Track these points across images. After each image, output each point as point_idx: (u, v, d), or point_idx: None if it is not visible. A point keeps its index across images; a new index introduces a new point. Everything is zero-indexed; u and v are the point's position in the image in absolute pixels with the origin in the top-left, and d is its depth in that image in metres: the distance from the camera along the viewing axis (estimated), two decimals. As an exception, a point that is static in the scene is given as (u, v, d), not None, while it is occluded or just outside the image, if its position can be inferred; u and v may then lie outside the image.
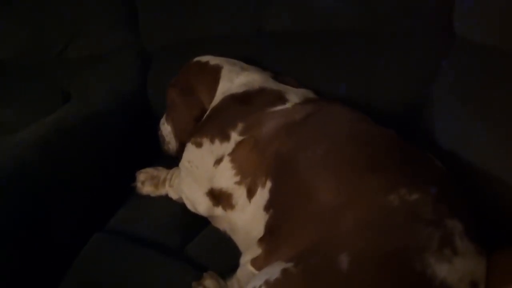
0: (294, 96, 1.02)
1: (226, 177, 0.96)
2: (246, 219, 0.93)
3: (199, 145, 1.02)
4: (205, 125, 1.06)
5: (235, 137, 0.98)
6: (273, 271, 0.68)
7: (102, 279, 0.95)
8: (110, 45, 1.50)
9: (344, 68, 1.08)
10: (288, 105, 0.99)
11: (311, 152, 0.84)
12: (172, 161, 1.26)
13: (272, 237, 0.82)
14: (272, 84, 1.09)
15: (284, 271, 0.67)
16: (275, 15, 1.20)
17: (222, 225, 1.02)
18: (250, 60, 1.23)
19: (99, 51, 1.50)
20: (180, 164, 1.08)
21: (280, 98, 1.02)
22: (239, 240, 0.96)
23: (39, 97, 1.46)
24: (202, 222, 1.06)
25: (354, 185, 0.73)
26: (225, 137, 0.99)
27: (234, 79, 1.12)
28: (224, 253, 0.97)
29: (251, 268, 0.83)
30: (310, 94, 1.07)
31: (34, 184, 1.07)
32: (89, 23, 1.48)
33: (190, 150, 1.05)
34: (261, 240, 0.84)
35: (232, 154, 0.97)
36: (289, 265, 0.68)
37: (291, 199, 0.82)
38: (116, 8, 1.48)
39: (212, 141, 1.00)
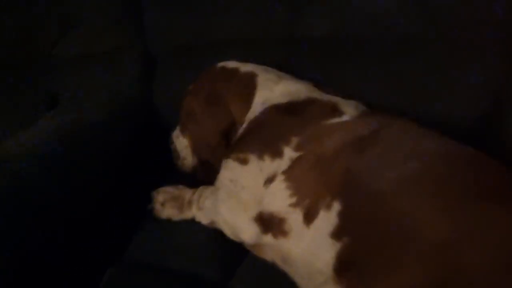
0: (350, 108, 0.92)
1: (279, 199, 0.83)
2: (304, 247, 0.80)
3: (244, 162, 0.89)
4: (248, 139, 0.93)
5: (289, 153, 0.85)
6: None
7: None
8: (107, 44, 1.31)
9: (396, 81, 0.99)
10: (346, 118, 0.89)
11: (397, 172, 0.73)
12: (186, 178, 1.11)
13: (357, 273, 0.69)
14: (320, 94, 0.98)
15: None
16: (312, 18, 1.09)
17: (270, 255, 0.87)
18: (278, 69, 1.12)
19: (94, 50, 1.31)
20: (218, 183, 0.93)
21: (335, 110, 0.91)
22: (297, 273, 0.83)
23: (21, 100, 1.25)
24: (240, 251, 0.91)
25: (472, 215, 0.63)
26: (277, 153, 0.86)
27: (274, 88, 1.00)
28: (278, 289, 0.83)
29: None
30: (362, 106, 0.97)
31: (32, 206, 0.88)
32: (84, 18, 1.29)
33: (232, 168, 0.90)
34: (339, 275, 0.72)
35: (288, 172, 0.84)
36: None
37: (378, 228, 0.70)
38: (117, 2, 1.30)
39: (260, 158, 0.87)
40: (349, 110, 0.91)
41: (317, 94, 0.98)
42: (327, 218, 0.77)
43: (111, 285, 0.85)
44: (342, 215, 0.75)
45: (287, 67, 1.12)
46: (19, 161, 0.91)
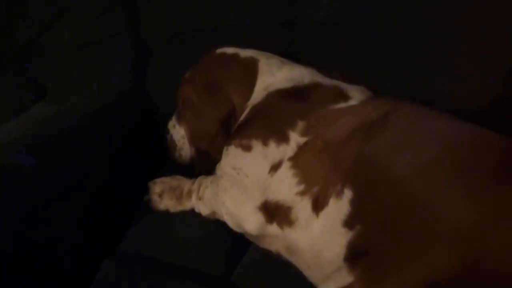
0: (357, 92, 0.88)
1: (285, 187, 0.79)
2: (313, 237, 0.76)
3: (247, 148, 0.84)
4: (251, 124, 0.88)
5: (295, 138, 0.81)
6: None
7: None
8: (99, 32, 1.25)
9: (402, 65, 0.95)
10: (353, 102, 0.85)
11: (413, 156, 0.69)
12: (182, 170, 1.06)
13: (372, 262, 0.66)
14: (324, 79, 0.94)
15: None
16: (315, 1, 1.04)
17: (275, 246, 0.83)
18: (279, 54, 1.07)
19: (86, 38, 1.25)
20: (219, 172, 0.89)
21: (341, 95, 0.87)
22: (303, 263, 0.78)
23: (8, 89, 1.18)
24: (242, 242, 0.87)
25: (497, 199, 0.59)
26: (283, 139, 0.82)
27: (276, 73, 0.96)
28: (284, 282, 0.79)
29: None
30: (367, 91, 0.93)
31: (23, 198, 0.82)
32: (75, 5, 1.23)
33: (235, 155, 0.86)
34: (352, 264, 0.68)
35: (294, 158, 0.80)
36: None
37: (394, 214, 0.66)
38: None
39: (265, 144, 0.83)
40: (356, 94, 0.87)
41: (321, 78, 0.94)
42: (338, 206, 0.73)
43: (106, 277, 0.79)
44: (354, 202, 0.71)
45: (288, 52, 1.08)
46: (7, 151, 0.85)
